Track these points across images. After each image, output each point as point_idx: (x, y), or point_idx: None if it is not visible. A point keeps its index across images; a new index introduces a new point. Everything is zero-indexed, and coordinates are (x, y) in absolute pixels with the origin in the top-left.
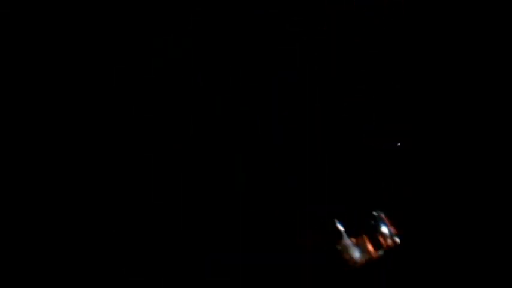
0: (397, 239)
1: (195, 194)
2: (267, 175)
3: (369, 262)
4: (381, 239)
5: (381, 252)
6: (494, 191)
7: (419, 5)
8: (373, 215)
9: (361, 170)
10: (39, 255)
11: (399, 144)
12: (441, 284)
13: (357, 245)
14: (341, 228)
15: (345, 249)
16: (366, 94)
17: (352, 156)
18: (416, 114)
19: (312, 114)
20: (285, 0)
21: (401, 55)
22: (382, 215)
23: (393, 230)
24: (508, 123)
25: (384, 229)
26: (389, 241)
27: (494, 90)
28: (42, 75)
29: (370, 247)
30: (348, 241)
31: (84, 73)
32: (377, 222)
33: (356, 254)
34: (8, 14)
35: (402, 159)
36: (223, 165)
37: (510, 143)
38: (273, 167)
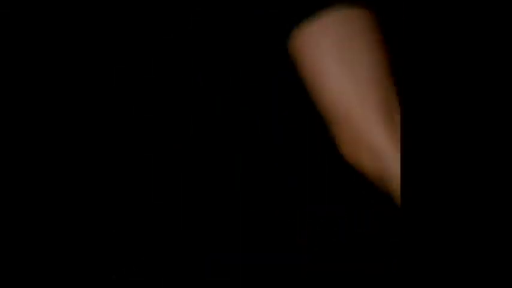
0: None
1: (195, 194)
2: (267, 175)
3: None
4: None
5: None
6: (494, 192)
7: (419, 5)
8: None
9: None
10: (39, 255)
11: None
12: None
13: None
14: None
15: None
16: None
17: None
18: (416, 114)
19: (312, 114)
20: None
21: (401, 55)
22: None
23: None
24: (508, 123)
25: None
26: None
27: (494, 90)
28: (42, 75)
29: None
30: None
31: (83, 73)
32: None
33: None
34: (8, 14)
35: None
36: (223, 165)
37: (510, 143)
38: (273, 167)
